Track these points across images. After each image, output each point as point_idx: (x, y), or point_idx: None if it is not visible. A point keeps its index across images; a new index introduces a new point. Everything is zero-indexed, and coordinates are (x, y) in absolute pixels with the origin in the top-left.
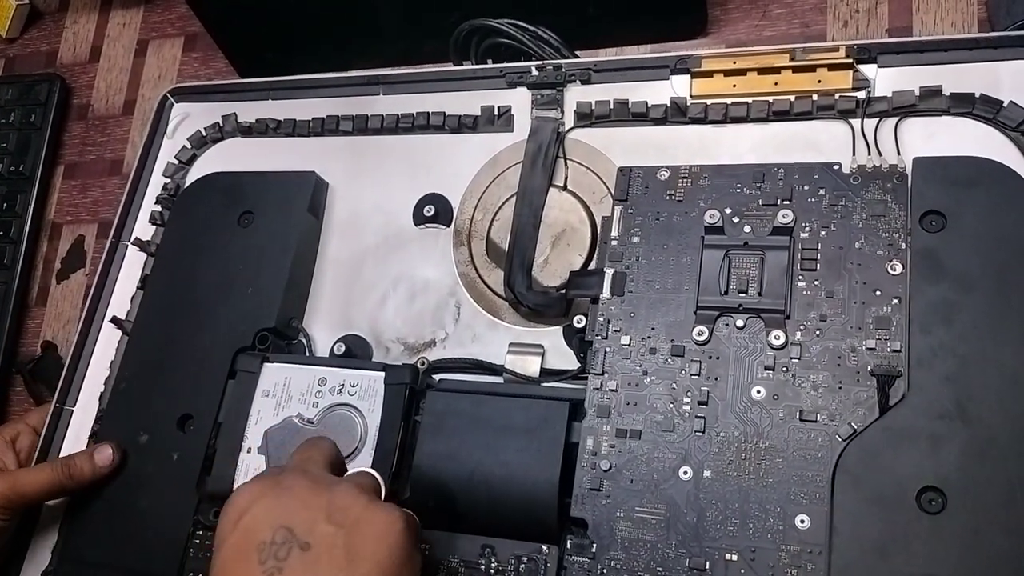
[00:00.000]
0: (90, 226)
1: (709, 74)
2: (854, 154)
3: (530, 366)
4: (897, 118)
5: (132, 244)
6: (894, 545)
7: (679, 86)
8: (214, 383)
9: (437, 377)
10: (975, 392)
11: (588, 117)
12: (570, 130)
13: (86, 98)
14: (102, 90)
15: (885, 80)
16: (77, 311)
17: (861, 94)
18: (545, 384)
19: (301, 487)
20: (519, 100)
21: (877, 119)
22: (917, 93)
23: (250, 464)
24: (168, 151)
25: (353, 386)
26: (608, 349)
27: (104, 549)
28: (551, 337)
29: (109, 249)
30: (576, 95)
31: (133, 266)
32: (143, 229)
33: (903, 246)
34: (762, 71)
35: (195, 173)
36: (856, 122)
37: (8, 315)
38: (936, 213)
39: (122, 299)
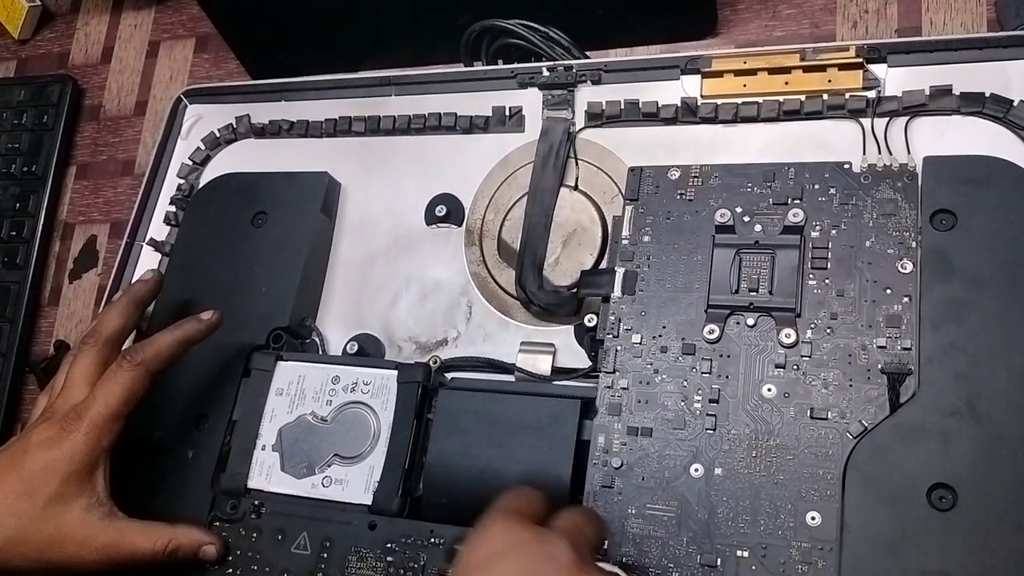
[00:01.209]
0: (102, 226)
1: (719, 74)
2: (864, 153)
3: (541, 364)
4: (907, 117)
5: (147, 244)
6: (905, 542)
7: (690, 86)
8: (229, 381)
9: (449, 376)
10: (986, 389)
11: (599, 117)
12: (581, 130)
13: (98, 99)
14: (114, 91)
15: (895, 80)
16: (90, 311)
17: (871, 93)
18: (556, 382)
19: (568, 566)
20: (530, 101)
21: (887, 118)
22: (927, 92)
23: (264, 461)
24: (182, 152)
25: (366, 384)
26: (619, 347)
27: None
28: (562, 336)
29: (124, 249)
30: (587, 95)
31: (147, 266)
32: (157, 229)
33: (913, 245)
34: (772, 71)
35: (209, 174)
36: (866, 121)
37: (21, 314)
38: (946, 212)
39: None
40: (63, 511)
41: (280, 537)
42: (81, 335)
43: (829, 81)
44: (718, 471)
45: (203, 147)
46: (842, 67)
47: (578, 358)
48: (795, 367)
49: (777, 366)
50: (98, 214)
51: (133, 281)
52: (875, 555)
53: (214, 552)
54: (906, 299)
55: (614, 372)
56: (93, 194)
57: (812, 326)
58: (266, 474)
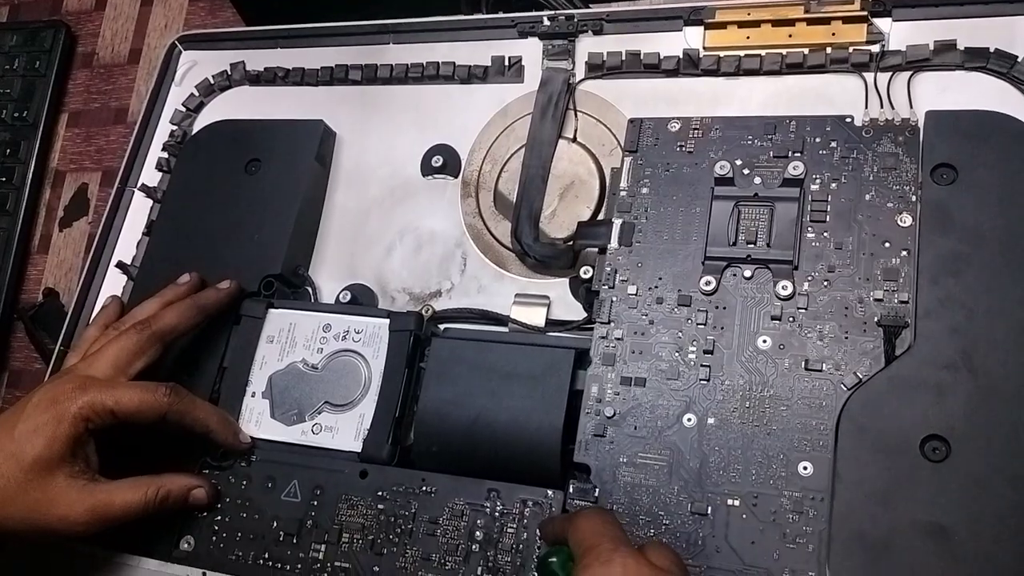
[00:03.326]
0: (94, 174)
1: (723, 25)
2: (867, 107)
3: (535, 317)
4: (911, 72)
5: (138, 190)
6: (897, 493)
7: (692, 37)
8: (219, 328)
9: (442, 327)
10: (981, 343)
11: (599, 68)
12: (581, 81)
13: (91, 46)
14: (107, 38)
15: (899, 34)
16: (80, 259)
17: (875, 47)
18: (550, 334)
19: None
20: (530, 51)
21: (891, 73)
22: (931, 47)
23: (254, 408)
24: (175, 99)
25: (358, 333)
26: (615, 298)
27: None
28: (557, 289)
29: (115, 195)
30: (588, 46)
31: (139, 212)
32: (149, 176)
33: (913, 199)
34: (776, 23)
35: (202, 121)
36: (869, 75)
37: (10, 262)
38: (947, 166)
39: (127, 245)
40: (47, 475)
41: (270, 484)
42: (104, 321)
43: (833, 34)
44: (711, 421)
45: (197, 94)
46: (846, 20)
47: (572, 311)
48: (791, 319)
49: (773, 318)
50: (90, 162)
51: (208, 286)
52: (867, 505)
53: (204, 495)
54: (904, 252)
55: (609, 323)
56: (85, 142)
57: (809, 278)
58: (256, 421)
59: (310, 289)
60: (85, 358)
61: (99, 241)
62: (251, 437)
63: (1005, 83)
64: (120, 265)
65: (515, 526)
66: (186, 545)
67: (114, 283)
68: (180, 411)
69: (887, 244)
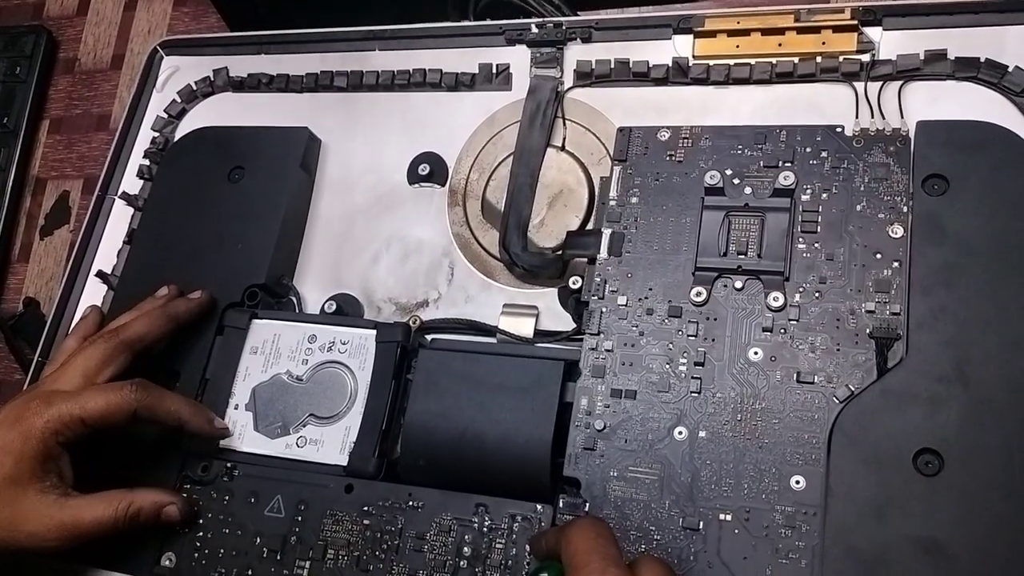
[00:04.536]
0: (75, 182)
1: (712, 34)
2: (857, 117)
3: (524, 327)
4: (901, 81)
5: (119, 198)
6: (891, 507)
7: (681, 46)
8: (201, 339)
9: (429, 337)
10: (975, 355)
11: (588, 76)
12: (569, 89)
13: (73, 52)
14: (90, 44)
15: (890, 43)
16: (61, 268)
17: (865, 57)
18: (539, 345)
19: None
20: (518, 58)
21: (881, 82)
22: (922, 57)
23: (237, 420)
24: (157, 105)
25: (344, 344)
26: (604, 309)
27: None
28: (545, 299)
29: (95, 202)
30: (576, 54)
31: (120, 221)
32: (131, 183)
33: (905, 209)
34: (766, 32)
35: (184, 128)
36: (860, 85)
37: None
38: (939, 177)
39: (108, 254)
40: (17, 493)
41: (253, 500)
42: (83, 333)
43: (823, 43)
44: (702, 434)
45: (179, 100)
46: (836, 29)
47: (561, 321)
48: (782, 331)
49: (764, 329)
50: (71, 169)
51: (167, 296)
52: (860, 520)
53: (176, 511)
54: (896, 264)
55: (599, 334)
56: (66, 149)
57: (800, 290)
58: (239, 434)
59: (294, 299)
60: (53, 371)
61: (79, 250)
62: (226, 426)
63: (996, 93)
64: (100, 274)
65: (504, 541)
66: (167, 562)
67: (94, 292)
68: (149, 406)
69: (879, 255)
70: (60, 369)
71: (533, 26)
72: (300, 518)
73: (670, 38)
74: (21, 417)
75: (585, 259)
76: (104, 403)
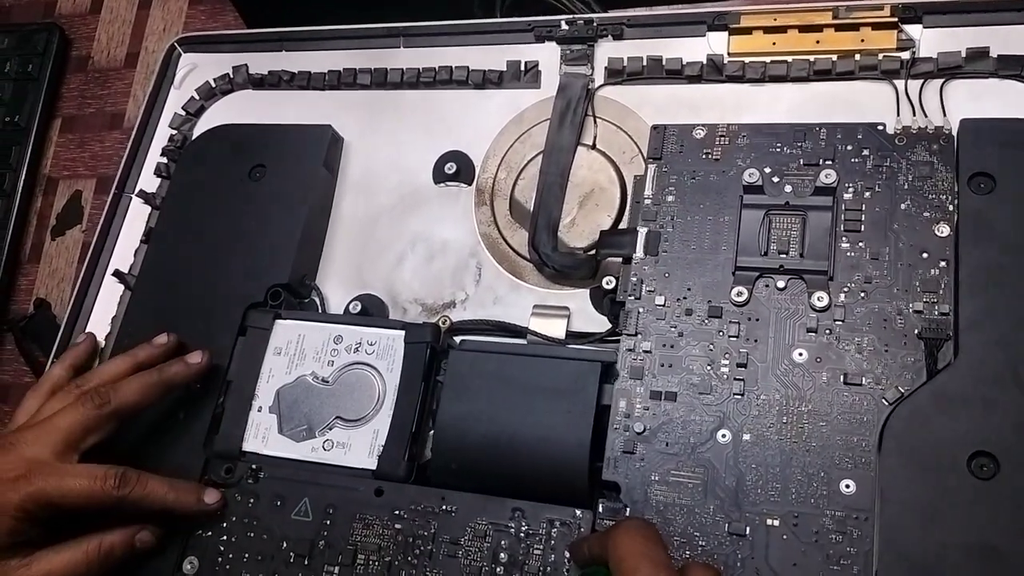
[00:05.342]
0: (88, 181)
1: (748, 31)
2: (898, 115)
3: (555, 329)
4: (942, 80)
5: (136, 196)
6: (945, 512)
7: (716, 43)
8: (223, 340)
9: (458, 339)
10: None
11: (620, 74)
12: (600, 87)
13: (86, 50)
14: (103, 42)
15: (930, 40)
16: (73, 268)
17: (905, 54)
18: (572, 346)
19: None
20: (547, 55)
21: (922, 80)
22: (963, 54)
23: (261, 423)
24: (175, 102)
25: (371, 345)
26: (641, 309)
27: None
28: (576, 300)
29: (112, 201)
30: (607, 51)
31: (136, 220)
32: (148, 182)
33: (951, 208)
34: (803, 28)
35: (203, 126)
36: (900, 83)
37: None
38: (985, 175)
39: (124, 253)
40: None
41: (279, 503)
42: (72, 363)
43: (862, 41)
44: (746, 437)
45: (197, 97)
46: (876, 26)
47: (593, 322)
48: (827, 331)
49: (809, 330)
50: (84, 169)
51: (170, 359)
52: (913, 525)
53: (149, 536)
54: (943, 263)
55: (636, 335)
56: (79, 148)
57: (845, 289)
58: (262, 437)
59: (317, 300)
60: (36, 424)
61: (95, 249)
62: (219, 497)
63: None
64: (117, 274)
65: (542, 547)
66: (189, 567)
67: (110, 292)
68: (133, 500)
69: (925, 254)
70: (41, 426)
71: (563, 22)
72: (328, 522)
73: (704, 35)
74: None
75: (620, 259)
76: (85, 492)
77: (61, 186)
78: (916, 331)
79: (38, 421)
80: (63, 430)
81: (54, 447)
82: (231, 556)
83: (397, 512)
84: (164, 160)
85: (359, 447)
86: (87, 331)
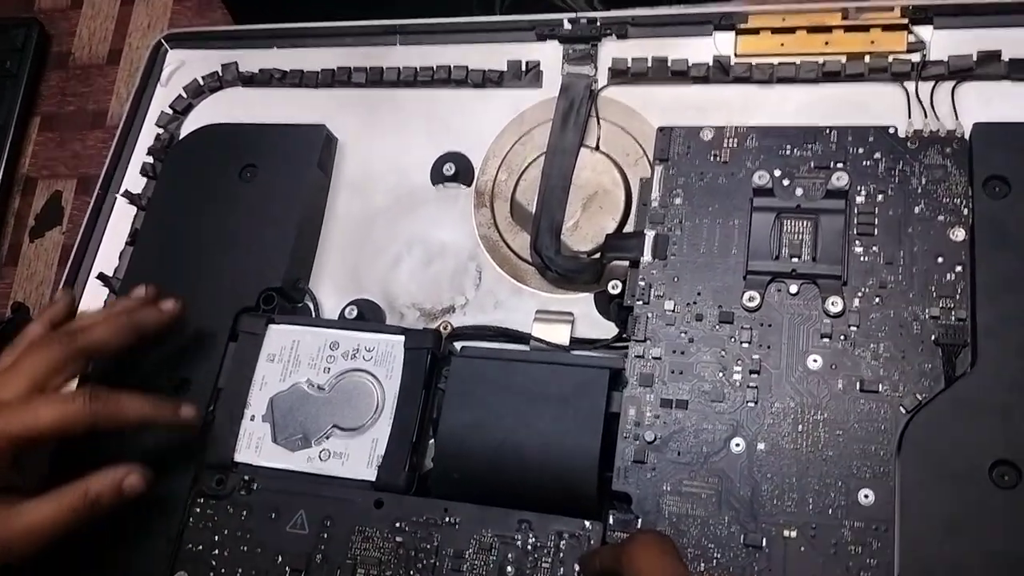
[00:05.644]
0: (68, 181)
1: (755, 31)
2: (909, 117)
3: (559, 334)
4: (954, 82)
5: (121, 196)
6: (967, 521)
7: (723, 44)
8: (214, 345)
9: (458, 346)
10: None
11: (624, 74)
12: (604, 88)
13: (67, 46)
14: (84, 38)
15: (941, 43)
16: (53, 271)
17: (915, 56)
18: (576, 353)
19: None
20: (549, 55)
21: (933, 83)
22: (975, 57)
23: (253, 432)
24: (161, 100)
25: (369, 351)
26: (650, 315)
27: None
28: (579, 304)
29: (96, 201)
30: (611, 51)
31: (121, 221)
32: (133, 182)
33: (965, 212)
34: (812, 30)
35: (191, 125)
36: (911, 85)
37: None
38: (1000, 179)
39: (108, 255)
40: None
41: (273, 515)
42: (50, 318)
43: (872, 42)
44: (761, 446)
45: (185, 95)
46: (886, 28)
47: (597, 328)
48: (842, 337)
49: (823, 336)
50: (64, 168)
51: (130, 300)
52: (935, 535)
53: (137, 479)
54: (959, 268)
55: (645, 341)
56: (59, 147)
57: (860, 294)
58: (255, 446)
59: (311, 304)
60: (2, 371)
61: (78, 250)
62: (195, 407)
63: None
64: (101, 276)
65: (550, 560)
66: None
67: (94, 295)
68: (107, 414)
69: (940, 259)
70: (8, 371)
71: (565, 21)
72: (326, 535)
73: (711, 35)
74: None
75: (626, 262)
76: (58, 416)
77: (40, 186)
78: (933, 337)
79: (4, 368)
80: (27, 371)
81: (18, 388)
82: (223, 571)
83: (398, 524)
84: (150, 159)
85: (357, 457)
86: (64, 288)
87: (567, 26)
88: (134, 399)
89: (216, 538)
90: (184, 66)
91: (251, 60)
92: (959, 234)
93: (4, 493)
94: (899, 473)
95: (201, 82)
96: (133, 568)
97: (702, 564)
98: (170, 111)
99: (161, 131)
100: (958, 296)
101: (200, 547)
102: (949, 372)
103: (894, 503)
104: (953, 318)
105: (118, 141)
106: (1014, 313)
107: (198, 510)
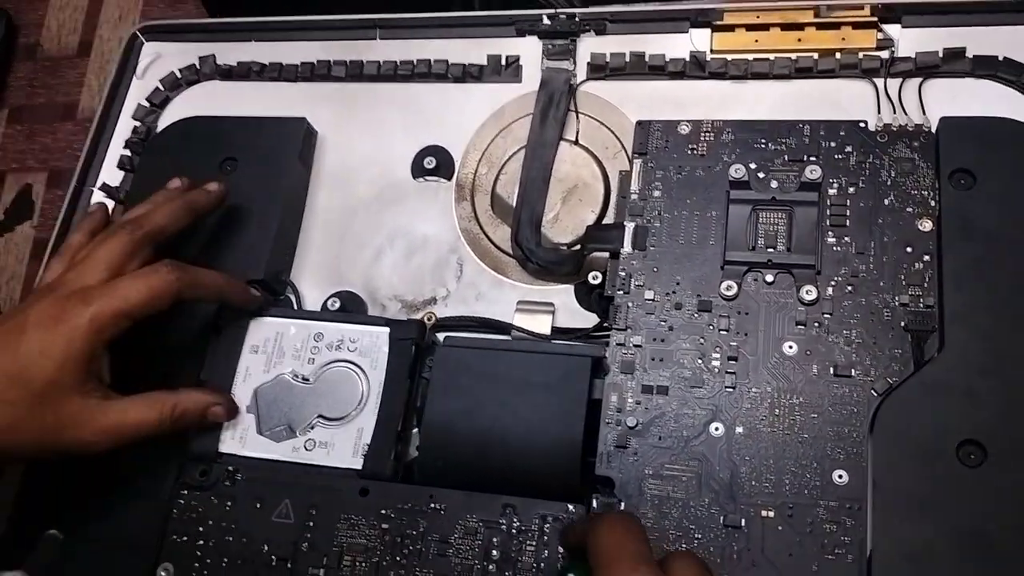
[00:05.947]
0: (39, 174)
1: (731, 28)
2: (879, 112)
3: (541, 325)
4: (921, 79)
5: (99, 189)
6: (936, 499)
7: (699, 40)
8: (195, 338)
9: (441, 336)
10: (1012, 347)
11: (602, 70)
12: (583, 82)
13: (34, 37)
14: (53, 29)
15: (908, 40)
16: (24, 266)
17: (884, 53)
18: (557, 342)
19: None
20: (528, 50)
21: (900, 79)
22: (940, 54)
23: (238, 424)
24: (137, 93)
25: (353, 342)
26: (631, 304)
27: (78, 513)
28: (560, 295)
29: (72, 195)
30: (590, 46)
31: None
32: (109, 175)
33: (933, 204)
34: (785, 27)
35: (168, 118)
36: (880, 81)
37: None
38: (965, 172)
39: None
40: (59, 398)
41: (259, 505)
42: (91, 228)
43: (843, 39)
44: (739, 430)
45: (162, 88)
46: (856, 26)
47: (577, 318)
48: (816, 324)
49: (798, 323)
50: (34, 161)
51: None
52: (906, 513)
53: (222, 411)
54: (927, 257)
55: (626, 329)
56: (28, 139)
57: (833, 283)
58: (240, 437)
59: (292, 297)
60: (73, 267)
61: (54, 244)
62: (260, 297)
63: (1014, 91)
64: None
65: (535, 544)
66: (164, 573)
67: None
68: (190, 283)
69: (909, 249)
70: (82, 264)
71: (545, 17)
72: (312, 523)
73: (687, 31)
74: (60, 318)
75: (607, 253)
76: (146, 290)
77: (9, 179)
78: (902, 323)
79: (77, 261)
80: (102, 259)
81: (97, 275)
82: (208, 562)
83: (384, 512)
84: (127, 152)
85: (343, 446)
86: (98, 202)
87: (546, 22)
88: (210, 272)
89: (201, 529)
90: (160, 59)
91: (229, 53)
92: (927, 225)
93: (96, 386)
94: (871, 454)
95: (178, 75)
96: (118, 561)
97: (683, 544)
98: (147, 104)
99: (138, 124)
100: (926, 284)
101: (185, 538)
102: (918, 356)
103: (867, 483)
104: (921, 305)
105: (94, 134)
106: (979, 300)
107: (182, 502)
